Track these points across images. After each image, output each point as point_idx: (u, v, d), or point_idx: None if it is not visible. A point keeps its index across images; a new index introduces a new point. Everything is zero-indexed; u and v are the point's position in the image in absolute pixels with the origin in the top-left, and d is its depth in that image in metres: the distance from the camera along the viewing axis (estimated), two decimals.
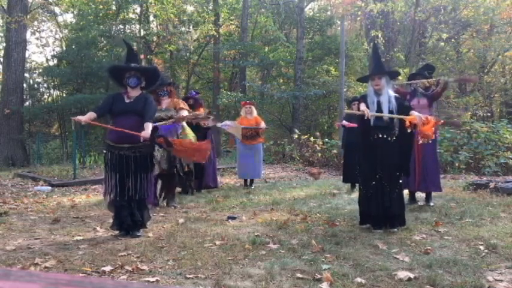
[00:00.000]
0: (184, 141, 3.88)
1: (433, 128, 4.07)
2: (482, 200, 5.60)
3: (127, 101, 4.05)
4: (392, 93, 4.25)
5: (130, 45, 4.57)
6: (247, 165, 7.47)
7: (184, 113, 5.43)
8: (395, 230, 4.07)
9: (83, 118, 3.93)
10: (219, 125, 7.35)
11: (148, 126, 3.89)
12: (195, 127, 6.52)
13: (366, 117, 4.06)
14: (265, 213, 5.08)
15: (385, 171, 4.10)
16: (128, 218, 4.01)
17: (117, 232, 4.07)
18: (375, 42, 4.57)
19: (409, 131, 4.08)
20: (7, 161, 13.55)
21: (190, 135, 5.94)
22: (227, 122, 7.46)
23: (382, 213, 4.10)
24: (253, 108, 7.66)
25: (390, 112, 4.15)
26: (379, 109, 4.16)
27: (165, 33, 18.99)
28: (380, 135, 4.14)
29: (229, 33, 21.60)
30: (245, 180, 7.74)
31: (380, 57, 4.60)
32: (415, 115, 4.04)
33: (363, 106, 4.16)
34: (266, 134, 20.20)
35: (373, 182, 4.13)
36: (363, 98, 4.36)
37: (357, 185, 6.89)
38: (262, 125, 7.57)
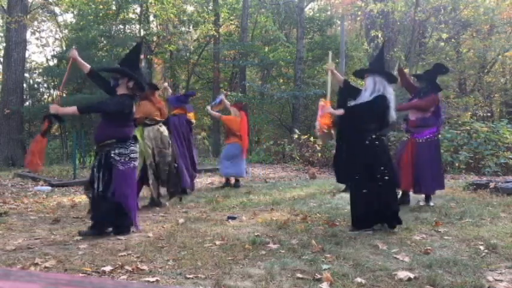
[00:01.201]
0: (42, 144, 4.08)
1: (325, 125, 4.18)
2: (482, 200, 5.60)
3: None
4: (367, 96, 4.11)
5: (134, 49, 4.59)
6: (226, 162, 7.52)
7: None
8: (395, 230, 4.06)
9: (77, 58, 4.26)
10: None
11: (68, 108, 4.19)
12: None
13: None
14: (265, 213, 5.07)
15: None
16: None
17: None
18: (383, 44, 4.56)
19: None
20: (7, 161, 13.54)
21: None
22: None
23: (376, 213, 4.08)
24: (233, 110, 7.76)
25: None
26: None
27: (165, 33, 18.99)
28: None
29: (229, 33, 21.60)
30: (227, 179, 7.75)
31: (381, 57, 4.50)
32: (327, 106, 4.18)
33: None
34: (266, 134, 20.23)
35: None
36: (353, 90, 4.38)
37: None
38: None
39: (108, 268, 2.97)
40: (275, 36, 19.45)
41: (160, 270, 2.97)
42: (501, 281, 2.73)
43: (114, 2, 17.31)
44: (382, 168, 4.07)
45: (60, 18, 21.31)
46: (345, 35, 14.40)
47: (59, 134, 18.42)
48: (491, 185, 6.32)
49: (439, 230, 4.07)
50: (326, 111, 4.09)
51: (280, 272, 2.91)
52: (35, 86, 20.30)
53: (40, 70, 19.80)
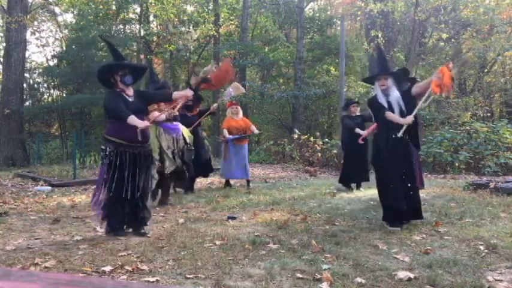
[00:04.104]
0: (216, 73, 4.24)
1: (451, 76, 4.05)
2: (482, 200, 5.60)
3: (130, 99, 4.04)
4: (398, 94, 4.29)
5: (110, 42, 4.55)
6: (233, 164, 7.46)
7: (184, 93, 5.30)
8: (395, 230, 4.08)
9: (148, 122, 3.98)
10: (225, 99, 7.34)
11: (178, 94, 4.24)
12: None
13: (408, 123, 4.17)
14: (265, 213, 5.07)
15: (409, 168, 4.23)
16: (121, 215, 4.06)
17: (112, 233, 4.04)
18: (378, 44, 4.65)
19: (439, 94, 4.16)
20: (7, 161, 13.54)
21: (186, 134, 6.01)
22: (230, 90, 7.13)
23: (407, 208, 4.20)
24: (239, 108, 7.75)
25: (401, 111, 4.22)
26: (390, 109, 4.24)
27: (165, 33, 19.00)
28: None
29: (229, 33, 21.62)
30: (227, 181, 7.74)
31: (385, 57, 4.64)
32: (431, 79, 4.10)
33: (392, 115, 4.22)
34: (266, 134, 20.22)
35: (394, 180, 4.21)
36: (373, 102, 4.38)
37: (352, 185, 7.01)
38: (253, 128, 7.60)
39: (108, 268, 2.97)
40: (275, 36, 19.46)
41: (160, 270, 2.97)
42: (501, 281, 2.73)
43: (114, 2, 17.33)
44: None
45: (60, 18, 21.36)
46: (345, 35, 14.39)
47: (59, 134, 18.44)
48: (491, 185, 6.32)
49: (439, 230, 4.07)
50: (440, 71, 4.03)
51: (280, 272, 2.91)
52: (35, 86, 20.33)
53: (40, 70, 19.81)
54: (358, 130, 6.74)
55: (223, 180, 7.89)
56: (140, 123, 3.82)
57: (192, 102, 7.05)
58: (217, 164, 12.52)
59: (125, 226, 4.13)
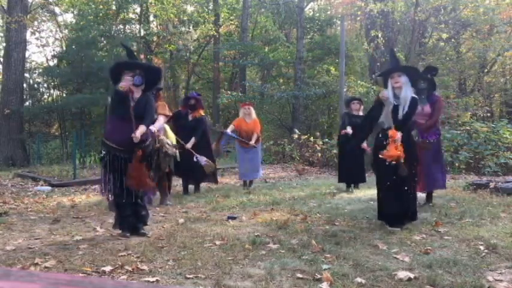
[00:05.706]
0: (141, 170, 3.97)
1: (393, 155, 4.05)
2: (482, 200, 5.60)
3: (131, 103, 3.91)
4: (409, 95, 4.16)
5: (129, 47, 4.55)
6: (246, 166, 7.46)
7: (158, 124, 5.18)
8: (396, 229, 4.08)
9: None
10: (195, 159, 6.55)
11: (140, 128, 3.82)
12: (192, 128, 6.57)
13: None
14: (265, 213, 5.07)
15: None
16: (132, 217, 4.04)
17: (119, 231, 4.06)
18: (392, 48, 4.57)
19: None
20: (7, 161, 13.54)
21: (172, 138, 5.92)
22: (204, 159, 6.53)
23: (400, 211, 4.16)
24: (252, 109, 7.55)
25: (405, 113, 4.14)
26: (396, 112, 4.16)
27: (165, 33, 19.00)
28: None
29: (229, 33, 21.63)
30: (244, 181, 7.74)
31: (397, 57, 4.58)
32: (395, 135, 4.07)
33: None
34: (266, 134, 20.20)
35: (388, 182, 4.16)
36: (377, 103, 4.36)
37: (353, 185, 7.04)
38: (254, 137, 7.29)
39: (108, 268, 2.97)
40: (275, 36, 19.47)
41: (160, 270, 2.97)
42: (501, 281, 2.73)
43: (114, 2, 17.33)
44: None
45: (60, 18, 21.35)
46: (345, 35, 14.40)
47: (59, 134, 18.44)
48: (491, 185, 6.32)
49: (439, 230, 4.07)
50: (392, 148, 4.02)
51: (280, 272, 2.91)
52: (35, 86, 20.32)
53: (40, 70, 19.81)
54: (343, 131, 6.80)
55: (224, 181, 7.90)
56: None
57: (195, 102, 6.78)
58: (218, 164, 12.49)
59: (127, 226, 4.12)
